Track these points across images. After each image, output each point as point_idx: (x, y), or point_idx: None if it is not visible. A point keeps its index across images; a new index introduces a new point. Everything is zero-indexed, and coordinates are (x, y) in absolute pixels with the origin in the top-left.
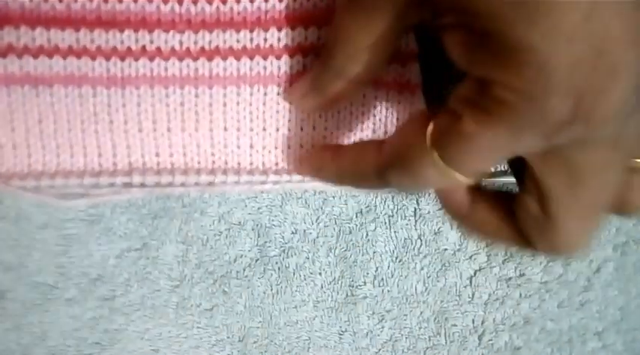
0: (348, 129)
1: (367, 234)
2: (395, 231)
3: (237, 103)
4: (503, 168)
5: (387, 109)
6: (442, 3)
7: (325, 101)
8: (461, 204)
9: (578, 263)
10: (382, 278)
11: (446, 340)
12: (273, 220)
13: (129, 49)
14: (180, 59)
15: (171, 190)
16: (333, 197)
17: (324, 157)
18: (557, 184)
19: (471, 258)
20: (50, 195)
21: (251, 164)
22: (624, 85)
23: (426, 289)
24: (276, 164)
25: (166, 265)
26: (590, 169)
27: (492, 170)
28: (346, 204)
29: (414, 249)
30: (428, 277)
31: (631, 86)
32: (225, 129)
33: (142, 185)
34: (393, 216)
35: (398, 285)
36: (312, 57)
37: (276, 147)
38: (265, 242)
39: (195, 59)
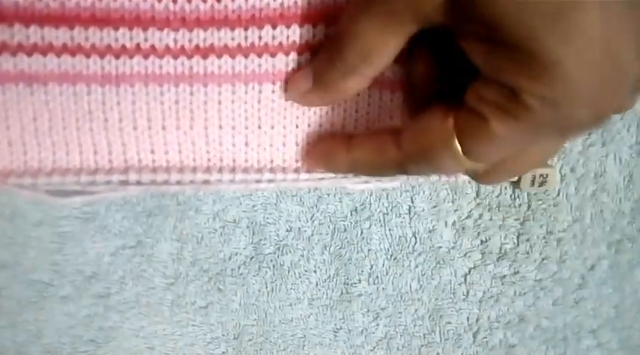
0: (341, 126)
1: (362, 232)
2: (389, 229)
3: (232, 101)
4: None
5: (380, 108)
6: (469, 14)
7: (330, 98)
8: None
9: (572, 261)
10: (377, 276)
11: (440, 337)
12: (267, 218)
13: (123, 46)
14: (175, 57)
15: (166, 188)
16: (328, 195)
17: (334, 148)
18: None
19: (465, 255)
20: (45, 192)
21: (246, 161)
22: (629, 83)
23: (421, 287)
24: (272, 161)
25: (161, 263)
26: None
27: None
28: (341, 202)
29: (408, 246)
30: (422, 275)
31: (633, 81)
32: (220, 127)
33: (138, 183)
34: (387, 213)
35: (393, 283)
36: (306, 55)
37: (271, 145)
38: (260, 239)
39: (190, 57)
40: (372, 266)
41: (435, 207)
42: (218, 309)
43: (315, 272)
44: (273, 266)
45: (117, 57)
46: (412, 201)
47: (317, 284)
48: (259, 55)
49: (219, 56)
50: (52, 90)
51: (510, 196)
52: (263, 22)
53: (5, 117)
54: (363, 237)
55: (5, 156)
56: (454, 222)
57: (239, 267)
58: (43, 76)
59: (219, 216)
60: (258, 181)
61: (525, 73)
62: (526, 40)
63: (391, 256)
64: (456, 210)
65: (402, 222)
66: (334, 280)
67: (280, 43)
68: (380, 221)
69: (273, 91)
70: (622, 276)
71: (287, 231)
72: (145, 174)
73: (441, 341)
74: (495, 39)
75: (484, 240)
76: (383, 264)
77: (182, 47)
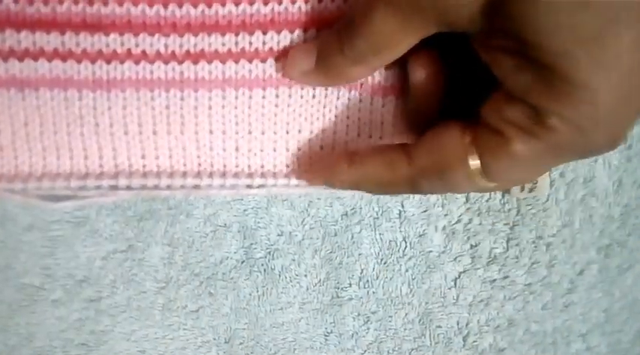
0: (333, 131)
1: (352, 236)
2: (380, 234)
3: (223, 106)
4: None
5: (371, 113)
6: (505, 27)
7: (331, 82)
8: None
9: (562, 265)
10: (367, 280)
11: (431, 341)
12: (258, 222)
13: (114, 52)
14: (166, 62)
15: (157, 193)
16: (319, 199)
17: (338, 166)
18: None
19: (455, 259)
20: (36, 196)
21: (237, 166)
22: None
23: (411, 291)
24: (262, 166)
25: (152, 267)
26: None
27: None
28: (331, 207)
29: (398, 251)
30: (413, 279)
31: None
32: (211, 132)
33: (129, 187)
34: (377, 218)
35: (383, 287)
36: None
37: (262, 150)
38: (251, 244)
39: (181, 62)
40: (362, 270)
41: (425, 211)
42: (209, 313)
43: (305, 276)
44: (264, 270)
45: (108, 62)
46: (402, 206)
47: (308, 289)
48: (250, 61)
49: (210, 61)
50: (43, 95)
51: (500, 201)
52: (254, 27)
53: None
54: (354, 242)
55: None
56: (444, 226)
57: (230, 271)
58: (34, 80)
59: (210, 220)
60: (248, 186)
61: (555, 94)
62: (560, 61)
63: (381, 260)
64: (446, 215)
65: (392, 227)
66: (325, 284)
67: (271, 49)
68: (370, 225)
69: (263, 97)
70: (611, 281)
71: (278, 235)
72: (135, 179)
73: (431, 344)
74: (527, 55)
75: (474, 244)
76: (373, 268)
77: (173, 52)
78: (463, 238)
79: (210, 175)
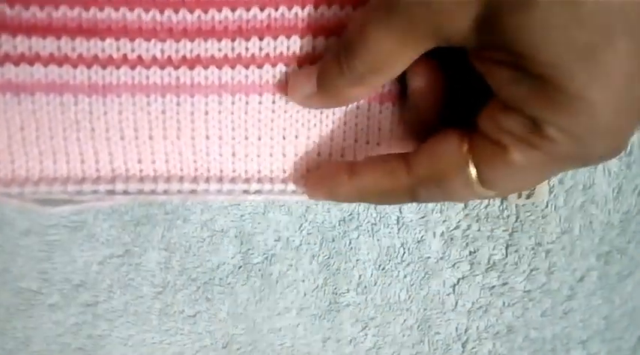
0: (330, 138)
1: (350, 242)
2: (378, 239)
3: (219, 112)
4: None
5: (368, 119)
6: (499, 40)
7: (334, 103)
8: None
9: (561, 272)
10: (365, 286)
11: (429, 348)
12: (256, 227)
13: (110, 57)
14: (162, 67)
15: (154, 197)
16: (316, 205)
17: (338, 178)
18: None
19: (454, 266)
20: (33, 201)
21: (234, 172)
22: None
23: (410, 297)
24: (259, 172)
25: (149, 272)
26: None
27: None
28: (329, 212)
29: (397, 256)
30: (411, 285)
31: None
32: (207, 137)
33: (125, 192)
34: (375, 224)
35: (381, 293)
36: (294, 66)
37: (258, 156)
38: (248, 249)
39: (177, 68)
40: (360, 276)
41: (423, 217)
42: (206, 318)
43: (303, 281)
44: (262, 275)
45: (104, 67)
46: (400, 212)
47: (305, 294)
48: (246, 66)
49: (206, 67)
50: (39, 99)
51: (499, 207)
52: (250, 33)
53: None
54: (352, 247)
55: None
56: (442, 232)
57: (227, 276)
58: (30, 85)
59: (207, 225)
60: (245, 192)
61: (550, 105)
62: (556, 73)
63: (379, 266)
64: (444, 221)
65: (390, 233)
66: (323, 290)
67: (267, 55)
68: (368, 231)
69: (259, 103)
70: (611, 288)
71: (275, 240)
72: (132, 184)
73: (429, 351)
74: (522, 67)
75: (473, 250)
76: (371, 274)
77: (169, 58)
78: (462, 244)
79: (207, 180)
